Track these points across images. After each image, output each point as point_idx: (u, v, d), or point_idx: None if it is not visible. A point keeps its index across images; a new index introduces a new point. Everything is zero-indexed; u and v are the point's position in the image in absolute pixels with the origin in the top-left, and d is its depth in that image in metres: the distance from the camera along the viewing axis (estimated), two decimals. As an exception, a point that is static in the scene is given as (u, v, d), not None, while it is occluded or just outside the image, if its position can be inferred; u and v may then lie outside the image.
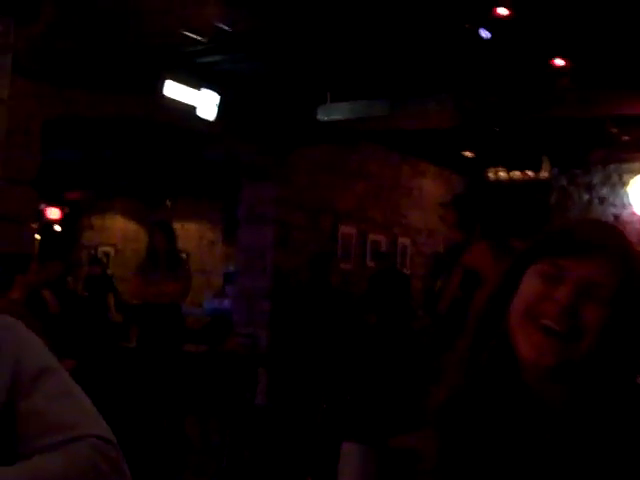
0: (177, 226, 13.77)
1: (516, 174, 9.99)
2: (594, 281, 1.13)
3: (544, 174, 9.69)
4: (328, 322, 7.25)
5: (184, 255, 6.93)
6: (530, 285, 1.18)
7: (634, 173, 9.19)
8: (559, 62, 6.10)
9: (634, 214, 9.08)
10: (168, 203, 13.75)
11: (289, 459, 5.28)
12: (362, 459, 0.70)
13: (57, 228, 13.39)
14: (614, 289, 1.13)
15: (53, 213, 13.20)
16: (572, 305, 1.11)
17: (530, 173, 9.88)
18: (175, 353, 6.34)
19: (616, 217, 9.13)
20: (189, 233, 14.03)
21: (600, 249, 1.16)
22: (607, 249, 1.17)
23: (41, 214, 12.18)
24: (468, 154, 9.77)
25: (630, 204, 9.16)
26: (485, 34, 5.56)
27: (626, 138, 8.32)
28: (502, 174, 10.11)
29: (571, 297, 1.12)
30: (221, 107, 7.21)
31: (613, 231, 1.24)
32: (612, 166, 9.30)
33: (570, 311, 1.11)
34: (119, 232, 14.26)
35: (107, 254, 13.80)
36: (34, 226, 6.37)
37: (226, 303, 10.71)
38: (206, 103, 7.12)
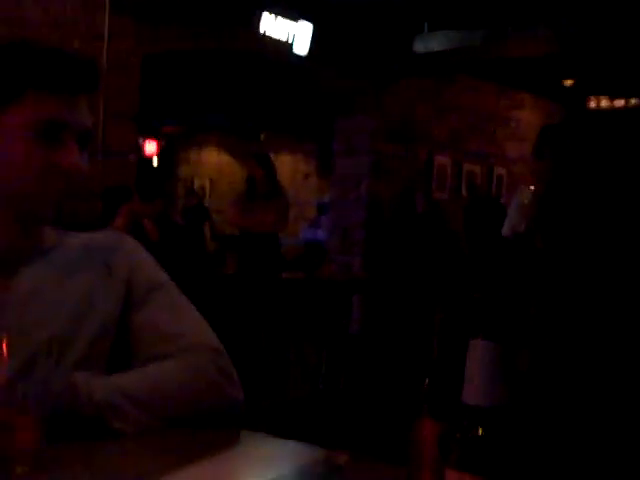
0: (271, 158, 13.96)
1: (619, 102, 9.66)
2: None
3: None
4: (422, 251, 7.28)
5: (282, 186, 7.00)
6: None
7: None
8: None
9: None
10: (262, 136, 13.85)
11: (390, 376, 5.35)
12: (493, 356, 0.72)
13: (154, 161, 13.66)
14: None
15: (151, 147, 13.46)
16: None
17: (634, 101, 9.54)
18: (273, 280, 6.46)
19: None
20: (283, 165, 14.13)
21: None
22: None
23: (139, 147, 12.43)
24: (568, 82, 9.48)
25: None
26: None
27: None
28: (604, 102, 9.79)
29: None
30: (316, 39, 7.18)
31: None
32: None
33: None
34: (214, 165, 14.46)
35: (202, 187, 14.03)
36: (133, 159, 6.52)
37: (320, 233, 10.82)
38: (301, 36, 7.11)
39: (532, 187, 4.75)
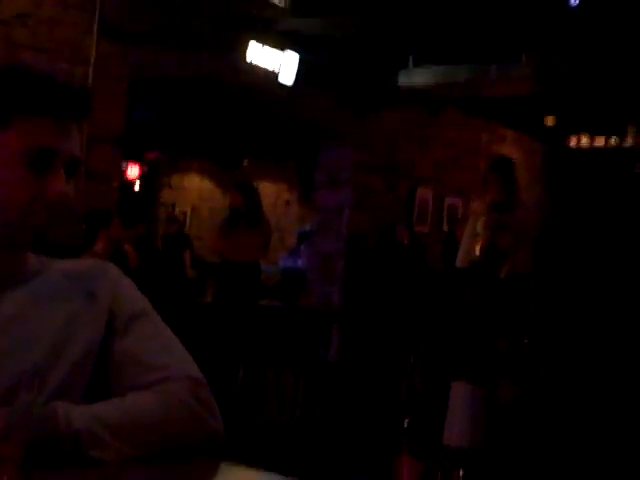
0: (255, 187, 13.98)
1: (599, 142, 9.78)
2: None
3: (629, 142, 9.45)
4: (399, 282, 7.31)
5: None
6: None
7: None
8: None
9: None
10: (245, 163, 13.88)
11: (366, 412, 5.34)
12: (473, 398, 0.72)
13: (137, 186, 13.63)
14: None
15: (133, 171, 13.44)
16: None
17: (614, 141, 9.65)
18: (252, 308, 6.46)
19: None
20: (265, 193, 14.10)
21: None
22: None
23: (122, 172, 12.41)
24: (550, 121, 9.59)
25: None
26: (574, 1, 5.45)
27: None
28: (584, 141, 9.90)
29: None
30: (301, 69, 7.24)
31: None
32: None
33: None
34: (196, 192, 14.45)
35: (184, 213, 14.01)
36: (115, 184, 6.52)
37: (300, 262, 10.81)
38: (287, 66, 7.17)
39: (483, 217, 4.89)
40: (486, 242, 4.68)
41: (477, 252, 4.68)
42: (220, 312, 6.64)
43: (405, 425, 0.90)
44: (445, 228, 9.42)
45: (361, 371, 6.92)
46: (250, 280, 6.69)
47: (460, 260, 4.99)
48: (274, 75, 7.12)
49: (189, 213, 14.16)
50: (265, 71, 7.04)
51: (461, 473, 0.72)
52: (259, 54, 6.96)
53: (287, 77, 7.21)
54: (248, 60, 6.89)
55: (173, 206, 14.01)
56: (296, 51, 7.16)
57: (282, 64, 7.14)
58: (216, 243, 7.16)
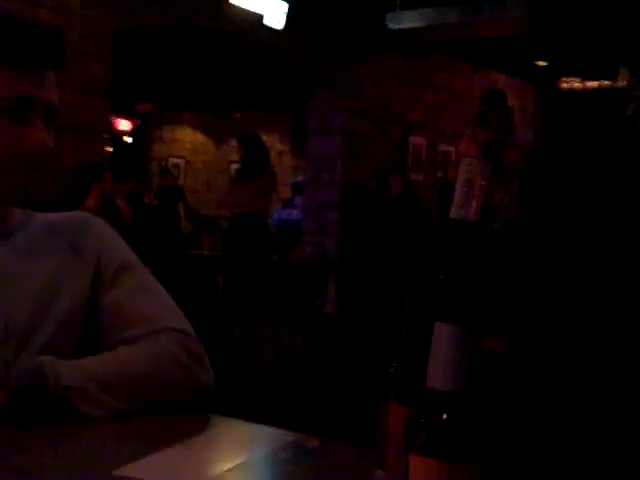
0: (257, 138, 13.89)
1: (591, 84, 9.71)
2: None
3: (621, 83, 9.38)
4: (395, 231, 7.30)
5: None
6: None
7: None
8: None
9: None
10: (237, 115, 13.78)
11: (362, 358, 5.38)
12: (456, 339, 0.72)
13: (128, 140, 13.56)
14: None
15: (124, 125, 13.36)
16: None
17: (606, 82, 9.59)
18: (252, 262, 6.45)
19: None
20: (257, 144, 14.09)
21: None
22: None
23: (112, 126, 12.33)
24: (541, 63, 9.51)
25: None
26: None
27: None
28: (576, 84, 9.84)
29: None
30: (289, 16, 7.14)
31: None
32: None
33: None
34: (188, 144, 14.39)
35: (177, 165, 13.96)
36: (106, 136, 6.47)
37: (295, 213, 10.80)
38: (274, 11, 7.07)
39: (475, 160, 4.80)
40: (482, 200, 4.63)
41: (473, 211, 4.65)
42: (215, 265, 6.65)
43: (391, 370, 0.90)
44: (440, 175, 9.40)
45: (358, 321, 6.95)
46: (254, 231, 6.69)
47: (454, 213, 4.95)
48: (260, 17, 7.02)
49: (183, 166, 14.10)
50: (251, 14, 6.94)
51: (444, 416, 0.71)
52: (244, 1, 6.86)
53: (276, 22, 7.12)
54: (233, 4, 6.77)
55: (166, 159, 13.96)
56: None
57: (270, 7, 7.03)
58: (223, 199, 7.30)
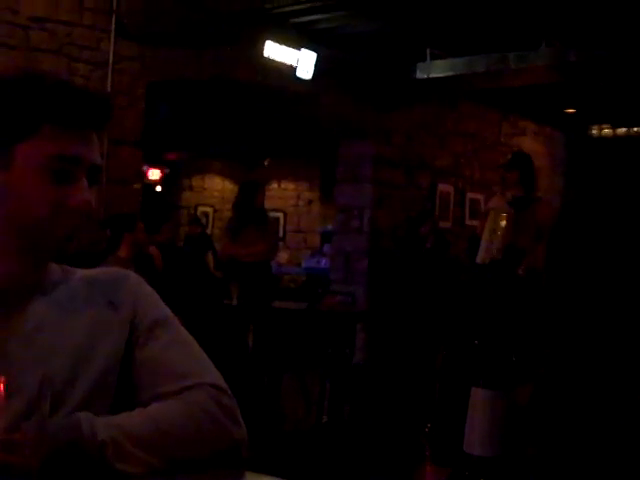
0: (274, 185, 14.02)
1: (621, 130, 9.69)
2: None
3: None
4: (425, 281, 7.26)
5: (274, 215, 7.04)
6: None
7: None
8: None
9: None
10: (266, 163, 13.88)
11: (394, 412, 5.31)
12: (492, 405, 0.71)
13: (158, 189, 13.69)
14: None
15: (154, 174, 13.49)
16: None
17: (636, 129, 9.57)
18: (270, 309, 6.44)
19: None
20: (287, 192, 14.16)
21: None
22: None
23: (143, 175, 12.46)
24: (570, 110, 9.52)
25: None
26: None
27: None
28: (606, 130, 9.82)
29: None
30: (319, 66, 7.22)
31: None
32: None
33: None
34: (217, 192, 14.48)
35: (206, 214, 14.05)
36: (137, 186, 6.53)
37: (324, 262, 10.81)
38: (304, 63, 7.15)
39: (502, 213, 4.88)
40: (505, 241, 4.67)
41: (496, 250, 4.68)
42: (240, 315, 6.64)
43: (426, 431, 0.89)
44: (469, 223, 9.38)
45: (387, 373, 6.88)
46: (258, 279, 6.68)
47: (480, 257, 4.99)
48: (292, 69, 7.10)
49: (211, 214, 14.19)
50: (283, 65, 7.02)
51: (482, 482, 0.71)
52: (276, 52, 6.94)
53: (305, 72, 7.19)
54: (265, 55, 6.85)
55: (195, 208, 14.05)
56: (313, 48, 7.13)
57: (300, 59, 7.11)
58: (222, 247, 7.31)
